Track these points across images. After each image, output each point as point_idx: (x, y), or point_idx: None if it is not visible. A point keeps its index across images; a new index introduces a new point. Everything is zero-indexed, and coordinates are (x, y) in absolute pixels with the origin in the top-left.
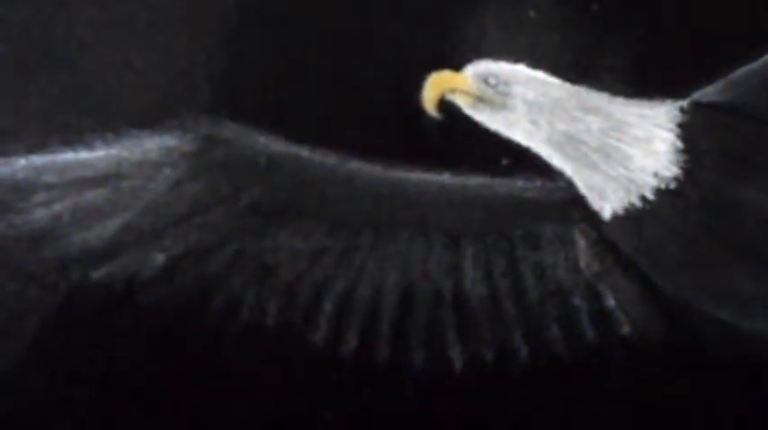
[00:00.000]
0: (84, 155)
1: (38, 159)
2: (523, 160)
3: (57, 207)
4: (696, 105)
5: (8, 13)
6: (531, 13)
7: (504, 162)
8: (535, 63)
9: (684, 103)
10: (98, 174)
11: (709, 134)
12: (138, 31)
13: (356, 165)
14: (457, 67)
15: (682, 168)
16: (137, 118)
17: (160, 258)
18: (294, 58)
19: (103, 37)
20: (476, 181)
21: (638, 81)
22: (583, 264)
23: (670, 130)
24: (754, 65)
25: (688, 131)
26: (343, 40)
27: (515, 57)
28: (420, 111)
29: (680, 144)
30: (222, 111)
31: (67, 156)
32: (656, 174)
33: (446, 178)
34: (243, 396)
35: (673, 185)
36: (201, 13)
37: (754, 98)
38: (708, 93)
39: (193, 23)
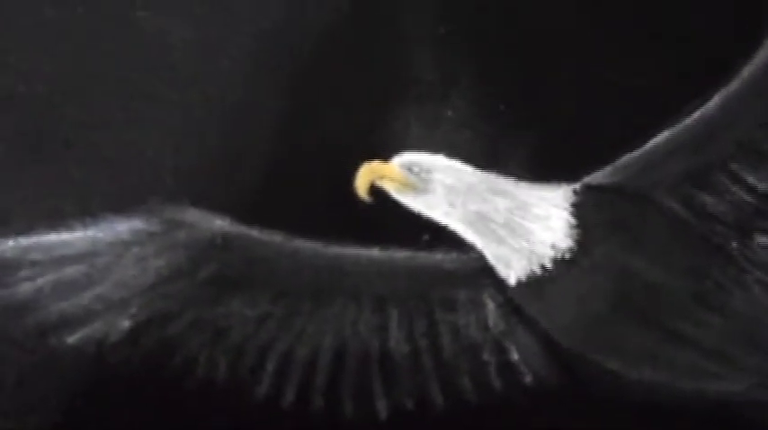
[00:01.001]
0: (65, 236)
1: (24, 240)
2: (441, 236)
3: (39, 281)
4: (587, 187)
5: (2, 116)
6: (449, 113)
7: (425, 238)
8: (452, 153)
9: (577, 185)
10: (77, 253)
11: (598, 211)
12: (114, 129)
13: (299, 243)
14: (385, 157)
15: (576, 241)
16: (111, 204)
17: (127, 324)
18: (245, 148)
19: (84, 136)
20: (401, 254)
21: (538, 168)
22: (491, 323)
23: (565, 209)
24: (636, 152)
25: (580, 209)
26: (290, 132)
27: (435, 148)
28: (354, 196)
29: (573, 220)
30: (184, 198)
31: (51, 237)
32: (553, 246)
33: (375, 252)
34: None
35: (568, 255)
36: (168, 115)
37: (637, 180)
38: (597, 176)
39: (160, 123)
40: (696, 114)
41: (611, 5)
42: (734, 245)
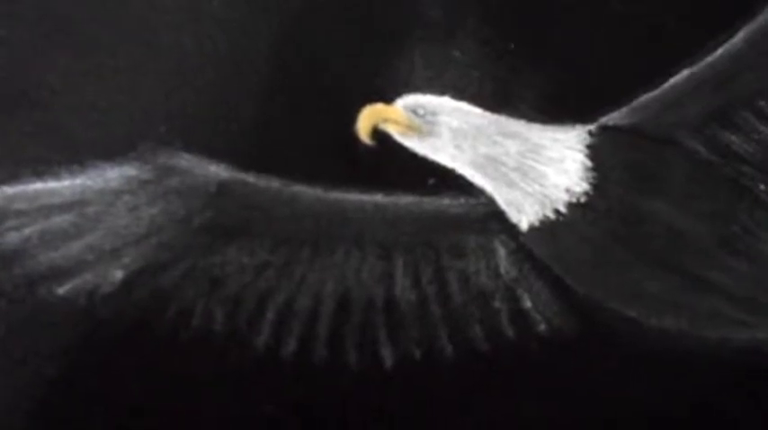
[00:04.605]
0: (52, 184)
1: (9, 189)
2: (448, 180)
3: (27, 231)
4: (603, 128)
5: None
6: (456, 53)
7: (431, 182)
8: (459, 95)
9: (592, 127)
10: (64, 202)
11: (615, 153)
12: (104, 77)
13: (298, 188)
14: (388, 100)
15: (591, 184)
16: (100, 151)
17: (119, 274)
18: (241, 93)
19: (72, 82)
20: (406, 199)
21: (551, 109)
22: (502, 270)
23: (580, 151)
24: (654, 92)
25: (596, 151)
26: (288, 75)
27: (441, 91)
28: (356, 139)
29: (589, 163)
30: (177, 143)
31: (37, 185)
32: (567, 190)
33: (379, 198)
34: (193, 394)
35: (583, 199)
36: (160, 60)
37: (655, 121)
38: (613, 117)
39: (152, 68)
40: (720, 50)
41: None
42: (762, 187)
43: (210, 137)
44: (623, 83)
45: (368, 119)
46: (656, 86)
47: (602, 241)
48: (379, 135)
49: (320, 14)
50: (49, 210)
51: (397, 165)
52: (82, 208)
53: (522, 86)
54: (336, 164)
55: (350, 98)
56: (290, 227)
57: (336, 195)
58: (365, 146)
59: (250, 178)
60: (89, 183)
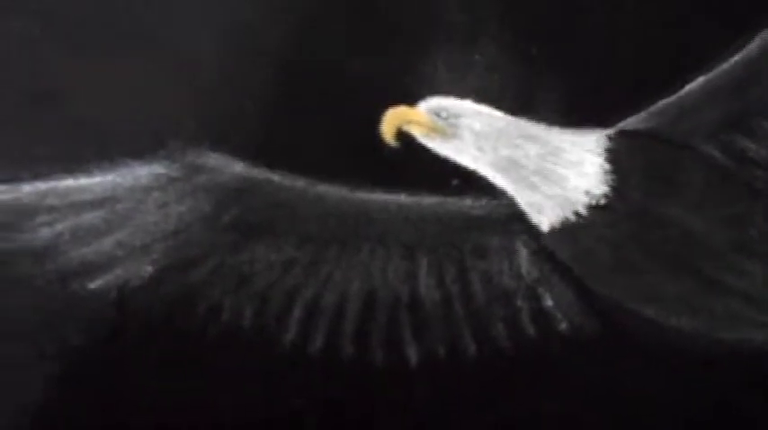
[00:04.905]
0: (83, 181)
1: (42, 185)
2: (471, 181)
3: (58, 227)
4: (621, 133)
5: (26, 60)
6: (478, 57)
7: (454, 183)
8: (481, 99)
9: (611, 131)
10: (95, 198)
11: (633, 157)
12: (134, 76)
13: (324, 188)
14: (412, 102)
15: (610, 187)
16: (130, 149)
17: (149, 270)
18: (268, 94)
19: (105, 82)
20: (429, 200)
21: (571, 113)
22: (524, 270)
23: (599, 155)
24: (671, 98)
25: (615, 155)
26: (315, 77)
27: (463, 93)
28: (381, 140)
29: (608, 166)
30: (205, 141)
31: (68, 182)
32: (587, 192)
33: (403, 198)
34: (223, 388)
35: (602, 202)
36: (189, 60)
37: (672, 126)
38: (631, 122)
39: (181, 69)
40: (736, 57)
41: None
42: None
43: (238, 136)
44: (642, 88)
45: (392, 120)
46: (674, 92)
47: (621, 243)
48: (403, 136)
49: (346, 17)
50: (80, 206)
51: (420, 166)
52: (112, 204)
53: (543, 90)
54: (361, 164)
55: (374, 100)
56: (316, 225)
57: (361, 195)
58: (389, 147)
59: (276, 176)
60: (119, 179)
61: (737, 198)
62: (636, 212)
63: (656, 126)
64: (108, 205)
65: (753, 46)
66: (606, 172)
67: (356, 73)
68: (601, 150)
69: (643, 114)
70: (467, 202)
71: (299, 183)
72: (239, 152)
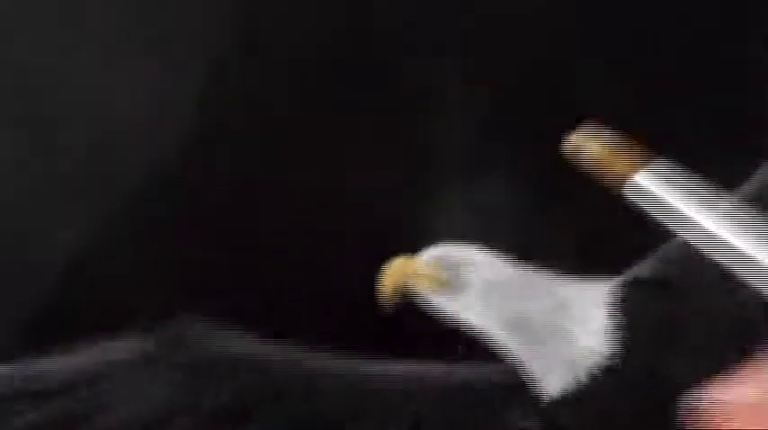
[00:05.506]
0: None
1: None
2: (475, 347)
3: (31, 415)
4: (631, 283)
5: None
6: (485, 199)
7: (460, 348)
8: (486, 243)
9: (619, 281)
10: (63, 383)
11: (643, 310)
12: None
13: (319, 361)
14: (413, 249)
15: (619, 345)
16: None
17: None
18: (259, 259)
19: None
20: (432, 369)
21: (578, 255)
22: None
23: (607, 308)
24: (679, 241)
25: (624, 309)
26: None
27: (468, 238)
28: (379, 303)
29: (616, 322)
30: (197, 310)
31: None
32: (595, 352)
33: (404, 367)
34: None
35: (610, 363)
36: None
37: (683, 272)
38: (640, 269)
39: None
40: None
41: None
42: None
43: (227, 309)
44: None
45: (392, 276)
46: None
47: (629, 411)
48: (403, 295)
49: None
50: (46, 394)
51: (423, 329)
52: (86, 387)
53: (554, 235)
54: (359, 329)
55: (373, 251)
56: (309, 408)
57: (363, 366)
58: (389, 307)
59: (267, 349)
60: (92, 357)
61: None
62: (645, 374)
63: (665, 273)
64: (79, 390)
65: (754, 180)
66: (614, 328)
67: (352, 218)
68: (608, 304)
69: (650, 260)
70: (472, 369)
71: (294, 354)
72: (232, 320)
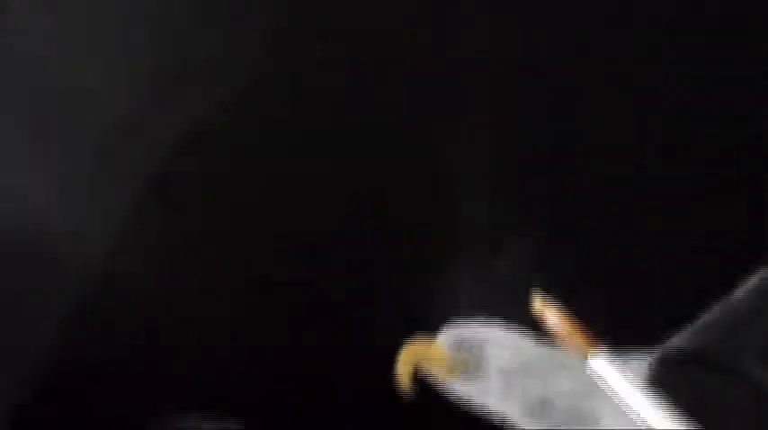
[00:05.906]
0: None
1: None
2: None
3: None
4: (663, 359)
5: None
6: (503, 270)
7: None
8: (505, 318)
9: (650, 356)
10: None
11: (677, 388)
12: None
13: None
14: (430, 327)
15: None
16: None
17: None
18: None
19: None
20: None
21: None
22: None
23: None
24: (717, 310)
25: (656, 387)
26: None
27: (487, 314)
28: (395, 389)
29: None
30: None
31: None
32: None
33: None
34: None
35: None
36: None
37: (720, 345)
38: (674, 342)
39: None
40: None
41: None
42: None
43: (237, 399)
44: (682, 301)
45: (407, 361)
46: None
47: None
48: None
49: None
50: None
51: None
52: None
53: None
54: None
55: (385, 336)
56: None
57: None
58: (405, 395)
59: None
60: None
61: None
62: None
63: (701, 346)
64: None
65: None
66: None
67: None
68: (640, 382)
69: (686, 333)
70: None
71: None
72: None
